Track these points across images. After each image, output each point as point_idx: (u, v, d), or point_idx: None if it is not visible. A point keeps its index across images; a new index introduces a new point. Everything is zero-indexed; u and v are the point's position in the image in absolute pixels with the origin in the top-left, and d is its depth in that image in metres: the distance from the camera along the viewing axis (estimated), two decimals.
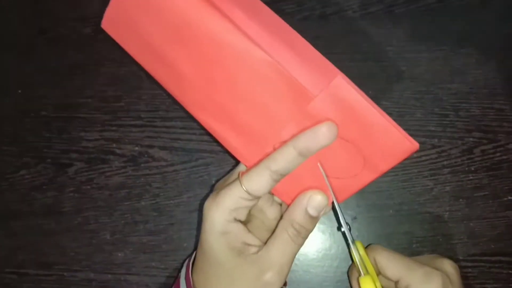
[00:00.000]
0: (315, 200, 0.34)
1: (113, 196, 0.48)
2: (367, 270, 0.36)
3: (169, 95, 0.36)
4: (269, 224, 0.38)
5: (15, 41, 0.52)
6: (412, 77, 0.48)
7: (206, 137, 0.48)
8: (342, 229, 0.36)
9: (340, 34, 0.49)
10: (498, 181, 0.46)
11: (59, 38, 0.52)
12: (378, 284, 0.35)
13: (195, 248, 0.45)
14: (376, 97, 0.47)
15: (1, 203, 0.49)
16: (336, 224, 0.46)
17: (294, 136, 0.32)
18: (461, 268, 0.41)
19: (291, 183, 0.34)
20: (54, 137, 0.49)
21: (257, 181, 0.32)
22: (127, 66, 0.50)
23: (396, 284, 0.37)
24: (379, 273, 0.38)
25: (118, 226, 0.47)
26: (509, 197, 0.45)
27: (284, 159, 0.32)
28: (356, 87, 0.30)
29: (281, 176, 0.33)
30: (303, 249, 0.46)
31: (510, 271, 0.44)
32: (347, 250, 0.45)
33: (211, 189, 0.46)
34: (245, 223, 0.35)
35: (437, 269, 0.36)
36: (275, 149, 0.33)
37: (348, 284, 0.44)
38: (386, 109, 0.47)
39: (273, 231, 0.35)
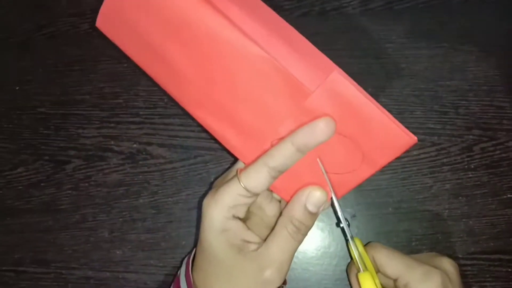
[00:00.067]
0: (314, 196, 0.34)
1: (111, 194, 0.48)
2: (366, 266, 0.35)
3: (166, 93, 0.36)
4: (269, 221, 0.38)
5: (13, 37, 0.52)
6: (412, 74, 0.47)
7: (204, 135, 0.47)
8: (341, 225, 0.36)
9: (340, 31, 0.49)
10: (498, 179, 0.45)
11: (57, 34, 0.51)
12: (377, 281, 0.35)
13: (194, 246, 0.45)
14: (376, 94, 0.47)
15: None
16: (335, 221, 0.46)
17: (292, 132, 0.32)
18: (460, 266, 0.40)
19: (289, 179, 0.34)
20: (51, 134, 0.49)
21: (255, 178, 0.32)
22: (125, 63, 0.49)
23: (395, 282, 0.37)
24: (378, 270, 0.38)
25: (116, 223, 0.47)
26: (509, 195, 0.45)
27: (282, 155, 0.32)
28: (353, 81, 0.30)
29: (279, 173, 0.33)
30: (302, 247, 0.46)
31: (510, 269, 0.44)
32: (346, 248, 0.45)
33: (210, 187, 0.46)
34: (244, 220, 0.35)
35: (436, 267, 0.36)
36: (273, 146, 0.33)
37: (347, 282, 0.44)
38: (385, 106, 0.46)
39: (273, 228, 0.35)
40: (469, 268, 0.44)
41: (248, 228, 0.34)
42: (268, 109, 0.32)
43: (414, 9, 0.49)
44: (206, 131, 0.35)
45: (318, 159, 0.33)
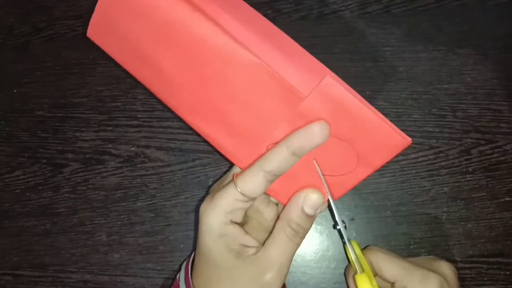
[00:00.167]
0: (311, 199, 0.34)
1: (109, 197, 0.47)
2: (362, 268, 0.35)
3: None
4: (266, 224, 0.38)
5: (11, 39, 0.52)
6: (410, 77, 0.48)
7: (202, 138, 0.47)
8: (338, 227, 0.36)
9: (338, 34, 0.49)
10: (496, 182, 0.46)
11: (55, 37, 0.51)
12: (374, 283, 0.35)
13: (193, 249, 0.45)
14: (374, 97, 0.47)
15: None
16: (333, 224, 0.46)
17: (287, 136, 0.32)
18: (458, 269, 0.40)
19: (286, 183, 0.34)
20: (49, 137, 0.49)
21: (251, 182, 0.32)
22: None
23: (393, 286, 0.37)
24: (376, 274, 0.38)
25: (114, 227, 0.47)
26: (507, 198, 0.45)
27: (278, 159, 0.32)
28: (346, 85, 0.30)
29: (275, 177, 0.33)
30: (300, 250, 0.46)
31: (508, 273, 0.44)
32: (344, 251, 0.45)
33: (208, 190, 0.46)
34: (242, 224, 0.35)
35: (434, 271, 0.36)
36: (268, 150, 0.33)
37: (346, 285, 0.44)
38: (383, 110, 0.47)
39: (271, 232, 0.35)
40: (467, 271, 0.44)
41: (246, 233, 0.34)
42: (262, 114, 0.32)
43: (412, 12, 0.49)
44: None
45: (314, 161, 0.33)
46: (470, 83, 0.47)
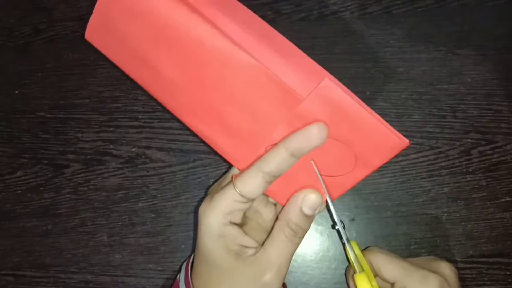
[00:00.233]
0: (310, 199, 0.34)
1: (110, 198, 0.48)
2: (362, 268, 0.36)
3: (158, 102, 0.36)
4: (265, 225, 0.38)
5: (12, 40, 0.52)
6: (410, 78, 0.48)
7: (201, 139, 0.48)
8: (336, 227, 0.36)
9: (338, 35, 0.49)
10: (496, 182, 0.46)
11: (56, 38, 0.51)
12: (374, 283, 0.35)
13: (193, 250, 0.45)
14: (374, 98, 0.47)
15: None
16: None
17: (285, 138, 0.32)
18: (459, 269, 0.41)
19: (284, 183, 0.34)
20: (50, 138, 0.49)
21: (250, 183, 0.33)
22: None
23: (393, 287, 0.37)
24: (376, 274, 0.38)
25: (115, 227, 0.47)
26: (507, 198, 0.45)
27: (276, 160, 0.32)
28: (344, 87, 0.31)
29: (273, 178, 0.33)
30: (301, 251, 0.46)
31: (508, 273, 0.44)
32: (344, 251, 0.45)
33: (207, 191, 0.46)
34: (241, 225, 0.35)
35: (434, 271, 0.36)
36: (267, 151, 0.33)
37: (346, 285, 0.44)
38: (383, 110, 0.47)
39: (269, 232, 0.35)
40: (467, 271, 0.44)
41: (245, 233, 0.35)
42: (261, 115, 0.32)
43: (412, 13, 0.49)
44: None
45: (312, 161, 0.33)
46: (470, 84, 0.47)
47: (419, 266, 0.37)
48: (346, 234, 0.36)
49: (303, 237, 0.35)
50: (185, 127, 0.48)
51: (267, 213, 0.38)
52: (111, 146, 0.48)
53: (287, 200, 0.35)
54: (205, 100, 0.33)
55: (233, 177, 0.34)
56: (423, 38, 0.48)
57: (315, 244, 0.46)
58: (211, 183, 0.47)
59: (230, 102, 0.33)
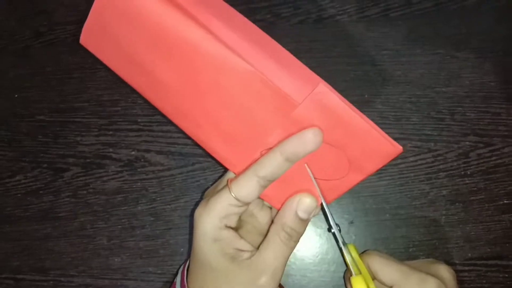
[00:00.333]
0: (304, 203, 0.34)
1: (109, 201, 0.48)
2: (359, 271, 0.36)
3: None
4: (261, 228, 0.38)
5: (12, 44, 0.52)
6: (408, 80, 0.48)
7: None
8: (332, 231, 0.36)
9: (336, 38, 0.49)
10: (494, 185, 0.46)
11: (55, 42, 0.52)
12: (372, 286, 0.35)
13: (190, 254, 0.45)
14: (372, 101, 0.47)
15: None
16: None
17: (280, 142, 0.33)
18: (457, 272, 0.41)
19: (279, 188, 0.35)
20: (50, 141, 0.49)
21: (245, 187, 0.33)
22: None
23: None
24: (374, 278, 0.38)
25: (114, 231, 0.47)
26: (505, 201, 0.45)
27: (271, 165, 0.32)
28: (338, 93, 0.31)
29: (269, 182, 0.33)
30: (300, 254, 0.46)
31: (507, 275, 0.44)
32: (341, 254, 0.45)
33: (201, 196, 0.47)
34: (236, 229, 0.35)
35: (432, 274, 0.36)
36: (262, 155, 0.33)
37: None
38: (381, 113, 0.47)
39: (265, 235, 0.36)
40: (466, 274, 0.45)
41: (241, 237, 0.35)
42: (256, 120, 0.33)
43: (410, 16, 0.49)
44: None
45: (306, 165, 0.34)
46: (468, 86, 0.47)
47: (417, 269, 0.37)
48: (342, 237, 0.36)
49: (298, 241, 0.35)
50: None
51: (263, 217, 0.39)
52: (111, 150, 0.49)
53: (282, 204, 0.35)
54: (201, 105, 0.33)
55: (229, 181, 0.34)
56: (421, 41, 0.49)
57: (314, 247, 0.46)
58: (210, 186, 0.47)
59: (226, 106, 0.33)
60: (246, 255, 0.34)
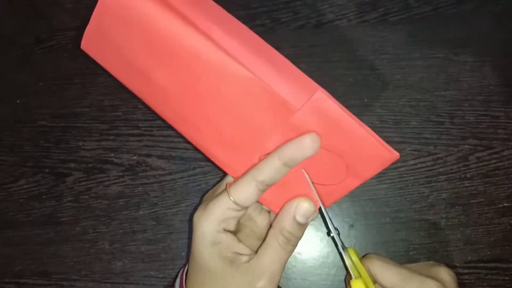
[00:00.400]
0: (303, 208, 0.35)
1: (111, 206, 0.48)
2: (359, 274, 0.36)
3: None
4: (259, 232, 0.39)
5: (13, 50, 0.52)
6: (407, 84, 0.48)
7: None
8: (331, 234, 0.37)
9: (336, 43, 0.49)
10: (494, 187, 0.46)
11: (56, 48, 0.52)
12: None
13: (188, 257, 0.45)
14: (372, 105, 0.48)
15: None
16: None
17: (279, 147, 0.33)
18: (458, 275, 0.41)
19: (278, 192, 0.35)
20: (52, 146, 0.50)
21: (244, 191, 0.33)
22: None
23: None
24: (375, 281, 0.38)
25: (116, 235, 0.48)
26: (505, 204, 0.46)
27: (270, 169, 0.33)
28: (336, 100, 0.31)
29: (267, 186, 0.34)
30: (301, 257, 0.46)
31: (507, 278, 0.45)
32: (341, 258, 0.46)
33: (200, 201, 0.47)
34: (235, 232, 0.36)
35: (433, 277, 0.36)
36: (261, 160, 0.34)
37: None
38: (381, 117, 0.47)
39: (263, 239, 0.36)
40: (466, 276, 0.45)
41: (239, 241, 0.35)
42: (255, 125, 0.33)
43: (409, 20, 0.49)
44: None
45: (303, 170, 0.34)
46: (467, 90, 0.48)
47: (417, 272, 0.37)
48: (341, 241, 0.36)
49: (296, 245, 0.36)
50: None
51: (261, 221, 0.39)
52: (112, 155, 0.49)
53: (281, 208, 0.36)
54: (201, 111, 0.34)
55: (228, 185, 0.34)
56: (420, 45, 0.49)
57: (315, 251, 0.46)
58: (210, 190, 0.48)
59: (225, 112, 0.33)
60: (244, 258, 0.34)
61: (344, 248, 0.36)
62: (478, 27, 0.49)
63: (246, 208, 0.34)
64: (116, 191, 0.48)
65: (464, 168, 0.46)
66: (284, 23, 0.50)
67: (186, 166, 0.48)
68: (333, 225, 0.36)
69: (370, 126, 0.46)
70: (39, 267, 0.48)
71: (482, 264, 0.45)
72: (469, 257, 0.45)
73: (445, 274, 0.38)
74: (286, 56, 0.48)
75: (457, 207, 0.46)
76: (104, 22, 0.33)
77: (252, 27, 0.49)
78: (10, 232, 0.48)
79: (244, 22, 0.50)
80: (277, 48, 0.43)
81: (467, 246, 0.45)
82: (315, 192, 0.34)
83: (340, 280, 0.45)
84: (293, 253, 0.46)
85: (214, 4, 0.34)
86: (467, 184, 0.46)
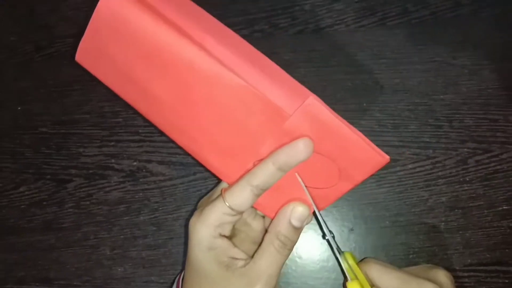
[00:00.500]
0: (297, 211, 0.35)
1: (112, 211, 0.48)
2: (355, 276, 0.36)
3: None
4: (254, 236, 0.39)
5: (14, 58, 0.53)
6: (406, 88, 0.48)
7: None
8: (326, 238, 0.37)
9: (334, 48, 0.50)
10: (493, 191, 0.46)
11: (56, 55, 0.52)
12: None
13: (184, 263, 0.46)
14: (370, 109, 0.48)
15: (1, 220, 0.49)
16: (330, 235, 0.46)
17: (272, 152, 0.33)
18: (457, 278, 0.41)
19: (272, 197, 0.35)
20: (53, 153, 0.50)
21: (239, 196, 0.34)
22: None
23: None
24: (372, 285, 0.38)
25: (117, 241, 0.48)
26: (504, 207, 0.46)
27: (264, 174, 0.33)
28: (327, 106, 0.32)
29: (262, 191, 0.34)
30: (301, 261, 0.46)
31: (506, 281, 0.45)
32: (337, 261, 0.46)
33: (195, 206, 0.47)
34: (230, 237, 0.36)
35: (431, 280, 0.36)
36: (255, 166, 0.34)
37: None
38: (380, 121, 0.48)
39: (259, 243, 0.36)
40: (466, 280, 0.45)
41: (235, 245, 0.35)
42: (249, 132, 0.34)
43: (406, 24, 0.50)
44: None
45: (297, 174, 0.34)
46: (466, 93, 0.48)
47: (415, 275, 0.37)
48: (336, 244, 0.37)
49: (292, 249, 0.36)
50: None
51: (256, 225, 0.40)
52: (113, 161, 0.49)
53: (276, 213, 0.36)
54: (195, 119, 0.34)
55: (223, 190, 0.35)
56: (418, 49, 0.49)
57: (314, 255, 0.46)
58: None
59: (219, 120, 0.34)
60: (240, 263, 0.35)
61: (340, 251, 0.37)
62: (476, 31, 0.49)
63: (241, 213, 0.35)
64: (117, 197, 0.49)
65: (463, 172, 0.46)
66: (282, 29, 0.50)
67: (186, 171, 0.49)
68: (327, 228, 0.37)
69: (369, 130, 0.47)
70: (41, 273, 0.48)
71: (481, 267, 0.45)
72: (469, 260, 0.45)
73: (442, 276, 0.38)
74: (285, 61, 0.49)
75: (456, 210, 0.46)
76: (99, 35, 0.33)
77: (251, 33, 0.50)
78: (11, 239, 0.49)
79: (243, 28, 0.50)
80: (276, 53, 0.44)
81: (466, 249, 0.45)
82: (308, 195, 0.35)
83: (339, 284, 0.45)
84: (293, 257, 0.46)
85: (207, 14, 0.35)
86: (466, 188, 0.46)
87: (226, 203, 0.34)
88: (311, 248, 0.47)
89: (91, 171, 0.49)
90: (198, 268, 0.35)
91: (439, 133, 0.47)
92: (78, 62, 0.35)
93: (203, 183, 0.48)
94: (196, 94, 0.33)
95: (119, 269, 0.47)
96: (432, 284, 0.36)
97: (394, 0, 0.50)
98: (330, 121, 0.32)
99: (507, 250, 0.45)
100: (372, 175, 0.33)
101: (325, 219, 0.45)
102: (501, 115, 0.47)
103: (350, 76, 0.49)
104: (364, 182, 0.35)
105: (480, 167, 0.46)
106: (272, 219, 0.36)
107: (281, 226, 0.35)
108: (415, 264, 0.45)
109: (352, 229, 0.46)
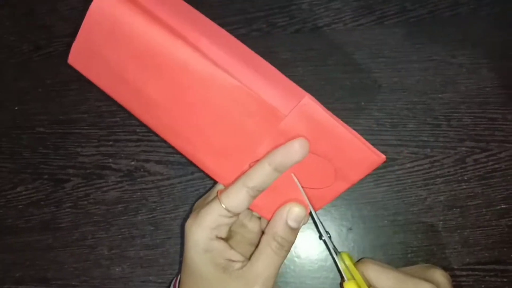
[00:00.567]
0: (294, 212, 0.35)
1: (110, 211, 0.48)
2: (352, 276, 0.36)
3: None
4: (251, 238, 0.39)
5: (12, 57, 0.53)
6: (404, 87, 0.48)
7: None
8: (323, 238, 0.37)
9: (332, 46, 0.49)
10: (491, 189, 0.46)
11: (54, 55, 0.52)
12: None
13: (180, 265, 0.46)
14: (369, 108, 0.48)
15: None
16: (330, 235, 0.46)
17: (268, 153, 0.33)
18: (455, 277, 0.41)
19: (269, 198, 0.35)
20: (50, 153, 0.50)
21: (235, 198, 0.33)
22: None
23: None
24: (370, 285, 0.38)
25: (115, 241, 0.48)
26: (503, 206, 0.46)
27: (260, 175, 0.33)
28: (322, 106, 0.32)
29: (258, 192, 0.34)
30: (299, 261, 0.46)
31: (505, 280, 0.45)
32: (334, 261, 0.46)
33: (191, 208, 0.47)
34: (226, 239, 0.36)
35: (428, 279, 0.36)
36: (251, 167, 0.34)
37: None
38: (378, 120, 0.47)
39: (255, 245, 0.36)
40: (464, 278, 0.45)
41: (231, 247, 0.35)
42: (244, 133, 0.33)
43: (405, 23, 0.50)
44: None
45: (293, 174, 0.34)
46: (464, 92, 0.48)
47: (412, 275, 0.37)
48: (333, 244, 0.37)
49: (289, 250, 0.36)
50: None
51: (252, 227, 0.39)
52: (110, 160, 0.49)
53: (272, 214, 0.36)
54: (190, 121, 0.34)
55: (219, 192, 0.35)
56: (416, 48, 0.49)
57: (313, 254, 0.46)
58: None
59: (214, 121, 0.34)
60: (237, 265, 0.35)
61: (336, 251, 0.37)
62: (474, 30, 0.49)
63: (237, 214, 0.35)
64: (115, 197, 0.48)
65: (462, 171, 0.46)
66: (280, 27, 0.50)
67: (184, 171, 0.48)
68: (324, 228, 0.36)
69: (367, 129, 0.47)
70: (39, 273, 0.48)
71: (480, 266, 0.45)
72: (467, 259, 0.45)
73: (439, 276, 0.38)
74: (283, 60, 0.49)
75: (454, 209, 0.46)
76: (91, 37, 0.33)
77: (248, 32, 0.50)
78: (9, 239, 0.49)
79: (240, 27, 0.50)
80: (274, 52, 0.44)
81: (465, 248, 0.45)
82: (305, 196, 0.35)
83: (338, 283, 0.45)
84: (292, 257, 0.46)
85: (200, 14, 0.35)
86: (465, 186, 0.46)
87: (222, 205, 0.34)
88: (309, 248, 0.47)
89: (88, 171, 0.49)
90: (194, 271, 0.35)
91: (437, 132, 0.47)
92: (71, 64, 0.35)
93: (201, 183, 0.48)
94: (190, 95, 0.33)
95: (117, 269, 0.47)
96: (429, 284, 0.36)
97: None
98: (326, 121, 0.32)
99: (505, 249, 0.45)
100: (368, 174, 0.33)
101: (323, 219, 0.46)
102: (499, 114, 0.47)
103: (348, 75, 0.49)
104: (362, 181, 0.35)
105: (478, 166, 0.46)
106: (268, 221, 0.36)
107: (278, 227, 0.35)
108: (414, 263, 0.45)
109: (350, 229, 0.46)
